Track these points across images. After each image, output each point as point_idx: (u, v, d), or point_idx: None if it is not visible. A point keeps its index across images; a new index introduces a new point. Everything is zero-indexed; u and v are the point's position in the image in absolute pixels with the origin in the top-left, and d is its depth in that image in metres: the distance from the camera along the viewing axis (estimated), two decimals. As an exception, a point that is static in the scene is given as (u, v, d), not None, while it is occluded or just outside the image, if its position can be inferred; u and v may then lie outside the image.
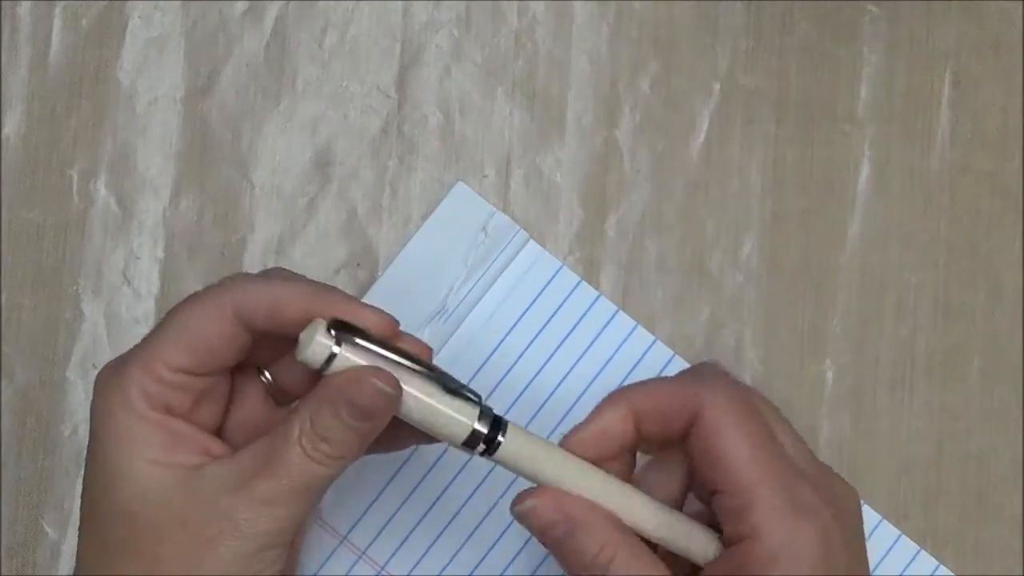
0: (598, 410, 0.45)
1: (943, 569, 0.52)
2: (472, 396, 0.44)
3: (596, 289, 0.53)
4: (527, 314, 0.53)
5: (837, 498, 0.44)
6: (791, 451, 0.45)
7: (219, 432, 0.46)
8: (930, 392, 0.54)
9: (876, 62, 0.55)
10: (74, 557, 0.52)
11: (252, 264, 0.54)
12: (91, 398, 0.44)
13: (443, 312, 0.53)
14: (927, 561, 0.52)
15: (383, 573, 0.52)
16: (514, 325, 0.53)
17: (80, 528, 0.44)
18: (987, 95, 0.55)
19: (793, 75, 0.55)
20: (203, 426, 0.45)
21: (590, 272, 0.54)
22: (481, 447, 0.43)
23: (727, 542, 0.44)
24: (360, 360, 0.43)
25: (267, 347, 0.45)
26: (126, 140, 0.54)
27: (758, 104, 0.55)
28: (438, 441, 0.45)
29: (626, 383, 0.52)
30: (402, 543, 0.52)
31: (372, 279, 0.53)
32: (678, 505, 0.46)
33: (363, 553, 0.52)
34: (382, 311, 0.44)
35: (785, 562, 0.42)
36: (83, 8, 0.54)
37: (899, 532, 0.52)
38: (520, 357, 0.53)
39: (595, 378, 0.53)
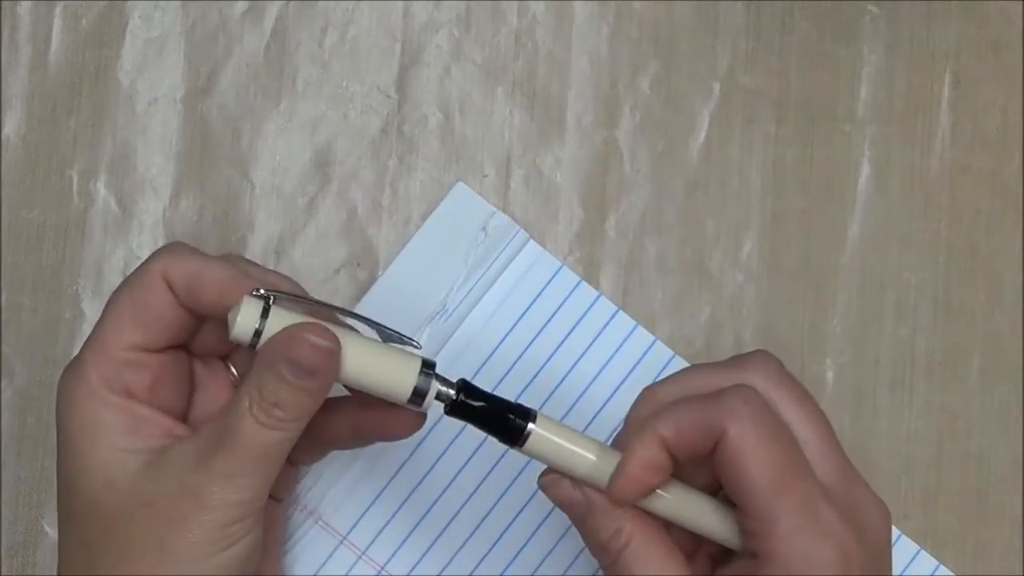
0: (633, 447, 0.44)
1: (943, 569, 0.52)
2: (413, 344, 0.44)
3: (596, 289, 0.53)
4: (527, 314, 0.53)
5: (863, 519, 0.44)
6: (820, 467, 0.44)
7: (188, 424, 0.46)
8: (930, 392, 0.54)
9: (876, 62, 0.55)
10: (74, 557, 0.52)
11: (252, 264, 0.54)
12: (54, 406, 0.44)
13: (443, 312, 0.53)
14: (927, 561, 0.52)
15: (383, 573, 0.52)
16: (514, 325, 0.53)
17: (59, 529, 0.45)
18: (987, 95, 0.55)
19: (793, 75, 0.55)
20: (165, 410, 0.45)
21: (590, 272, 0.54)
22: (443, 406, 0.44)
23: (745, 555, 0.44)
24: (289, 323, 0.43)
25: (223, 333, 0.46)
26: (126, 140, 0.54)
27: (758, 104, 0.55)
28: (398, 435, 0.45)
29: (626, 383, 0.52)
30: (402, 543, 0.52)
31: (372, 279, 0.53)
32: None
33: (363, 553, 0.52)
34: (289, 279, 0.45)
35: None
36: (83, 8, 0.54)
37: (899, 532, 0.52)
38: (520, 357, 0.53)
39: (595, 378, 0.53)
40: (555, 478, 0.45)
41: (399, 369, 0.43)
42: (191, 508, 0.42)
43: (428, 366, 0.43)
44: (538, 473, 0.45)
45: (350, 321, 0.46)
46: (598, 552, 0.45)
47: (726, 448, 0.43)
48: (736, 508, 0.44)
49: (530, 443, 0.44)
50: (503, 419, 0.44)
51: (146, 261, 0.45)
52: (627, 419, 0.46)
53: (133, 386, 0.44)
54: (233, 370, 0.47)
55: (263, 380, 0.43)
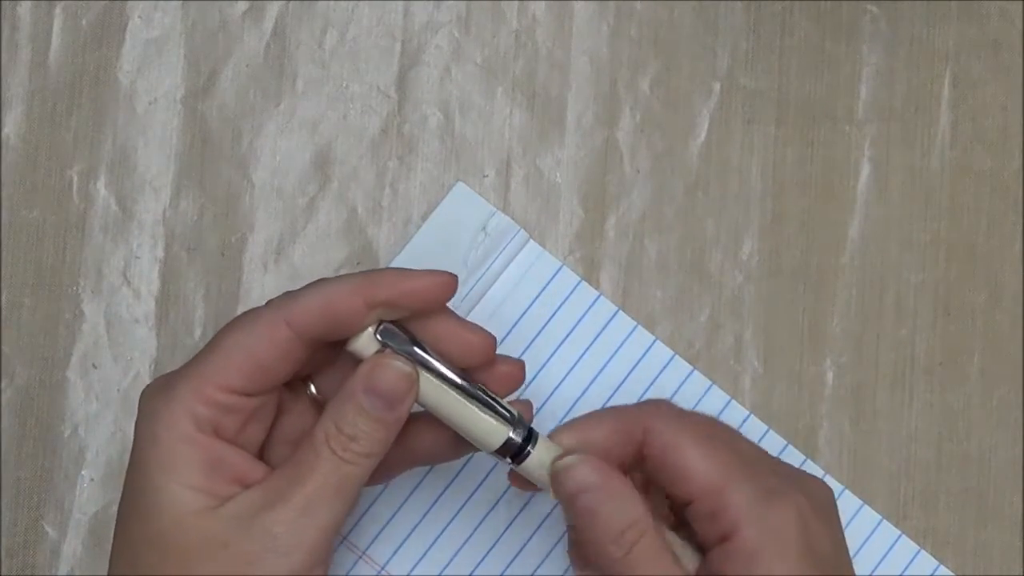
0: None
1: (943, 569, 0.52)
2: (507, 414, 0.44)
3: (596, 289, 0.53)
4: (527, 314, 0.53)
5: (804, 484, 0.45)
6: (748, 451, 0.45)
7: (263, 445, 0.46)
8: (930, 392, 0.54)
9: (876, 62, 0.55)
10: (73, 558, 0.52)
11: (252, 264, 0.54)
12: (135, 418, 0.44)
13: (443, 312, 0.53)
14: (927, 561, 0.52)
15: (383, 573, 0.52)
16: (514, 325, 0.53)
17: (112, 552, 0.44)
18: (987, 95, 0.55)
19: (793, 75, 0.55)
20: (248, 445, 0.44)
21: (590, 272, 0.54)
22: (508, 460, 0.44)
23: (707, 546, 0.44)
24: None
25: (315, 356, 0.45)
26: (126, 140, 0.54)
27: (758, 104, 0.55)
28: (466, 452, 0.46)
29: (626, 383, 0.52)
30: (402, 543, 0.52)
31: (372, 279, 0.53)
32: None
33: (363, 553, 0.52)
34: (433, 273, 0.44)
35: (769, 552, 0.42)
36: (83, 8, 0.54)
37: (899, 532, 0.52)
38: (520, 357, 0.53)
39: (595, 378, 0.53)
40: (573, 460, 0.43)
41: (494, 424, 0.44)
42: (264, 547, 0.42)
43: (523, 426, 0.44)
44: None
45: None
46: (607, 543, 0.43)
47: (656, 442, 0.43)
48: (687, 507, 0.44)
49: (528, 463, 0.44)
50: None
51: (266, 309, 0.44)
52: None
53: (222, 426, 0.43)
54: (312, 388, 0.47)
55: (342, 412, 0.43)
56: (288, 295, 0.44)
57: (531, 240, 0.53)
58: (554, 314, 0.53)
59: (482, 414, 0.44)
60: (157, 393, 0.44)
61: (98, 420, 0.53)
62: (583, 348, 0.53)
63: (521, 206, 0.54)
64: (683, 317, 0.54)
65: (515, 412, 0.45)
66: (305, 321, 0.43)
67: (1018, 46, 0.55)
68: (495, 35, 0.55)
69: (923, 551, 0.52)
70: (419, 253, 0.53)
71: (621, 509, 0.43)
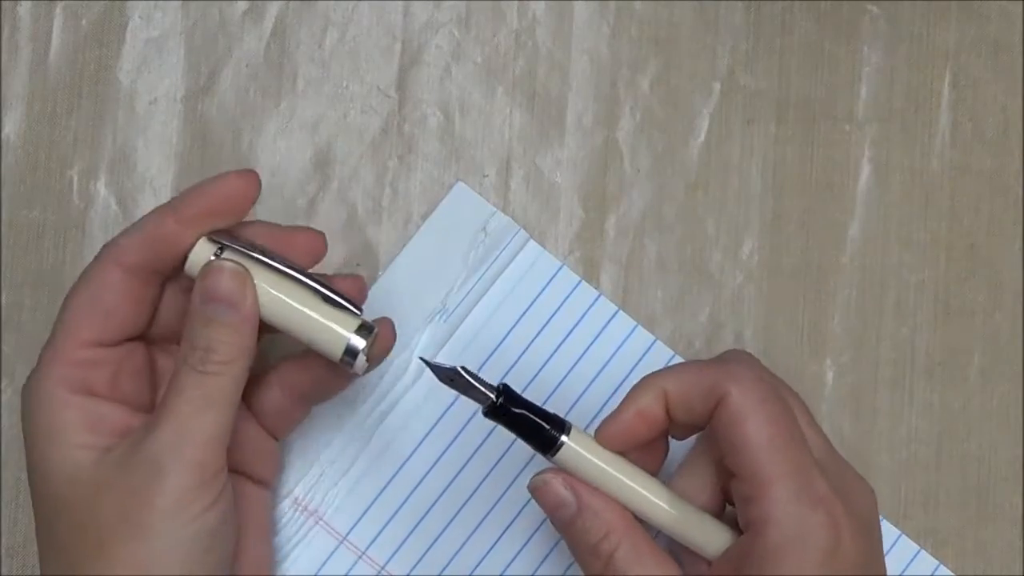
0: (631, 396, 0.45)
1: (943, 569, 0.52)
2: (354, 309, 0.45)
3: (596, 289, 0.53)
4: (527, 314, 0.53)
5: (851, 493, 0.45)
6: (811, 441, 0.45)
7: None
8: (930, 392, 0.54)
9: (876, 62, 0.55)
10: (74, 557, 0.52)
11: (252, 264, 0.54)
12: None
13: (443, 312, 0.53)
14: (927, 561, 0.52)
15: (383, 573, 0.52)
16: (514, 325, 0.53)
17: (36, 534, 0.45)
18: (987, 95, 0.55)
19: (793, 75, 0.55)
20: (130, 401, 0.45)
21: (590, 272, 0.54)
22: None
23: (742, 528, 0.44)
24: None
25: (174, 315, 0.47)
26: (126, 140, 0.54)
27: (758, 104, 0.55)
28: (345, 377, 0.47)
29: (626, 383, 0.52)
30: (402, 543, 0.52)
31: (372, 279, 0.53)
32: (716, 511, 0.46)
33: (363, 553, 0.52)
34: (232, 173, 0.46)
35: (794, 552, 0.42)
36: (83, 8, 0.54)
37: (899, 532, 0.52)
38: (520, 357, 0.53)
39: (595, 378, 0.53)
40: (544, 478, 0.45)
41: (337, 325, 0.45)
42: (150, 476, 0.42)
43: (366, 329, 0.45)
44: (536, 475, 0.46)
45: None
46: (588, 557, 0.45)
47: (727, 409, 0.43)
48: (732, 479, 0.44)
49: (561, 454, 0.44)
50: (538, 428, 0.44)
51: (93, 260, 0.45)
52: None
53: (93, 383, 0.44)
54: None
55: (192, 331, 0.43)
56: (113, 239, 0.45)
57: (531, 240, 0.53)
58: (554, 314, 0.53)
59: (323, 320, 0.45)
60: (28, 379, 0.45)
61: (98, 420, 0.53)
62: (583, 348, 0.53)
63: (521, 206, 0.54)
64: (683, 317, 0.54)
65: (359, 309, 0.45)
66: (132, 257, 0.45)
67: (1018, 46, 0.55)
68: (495, 35, 0.55)
69: (923, 551, 0.52)
70: (419, 253, 0.53)
71: (593, 523, 0.44)
